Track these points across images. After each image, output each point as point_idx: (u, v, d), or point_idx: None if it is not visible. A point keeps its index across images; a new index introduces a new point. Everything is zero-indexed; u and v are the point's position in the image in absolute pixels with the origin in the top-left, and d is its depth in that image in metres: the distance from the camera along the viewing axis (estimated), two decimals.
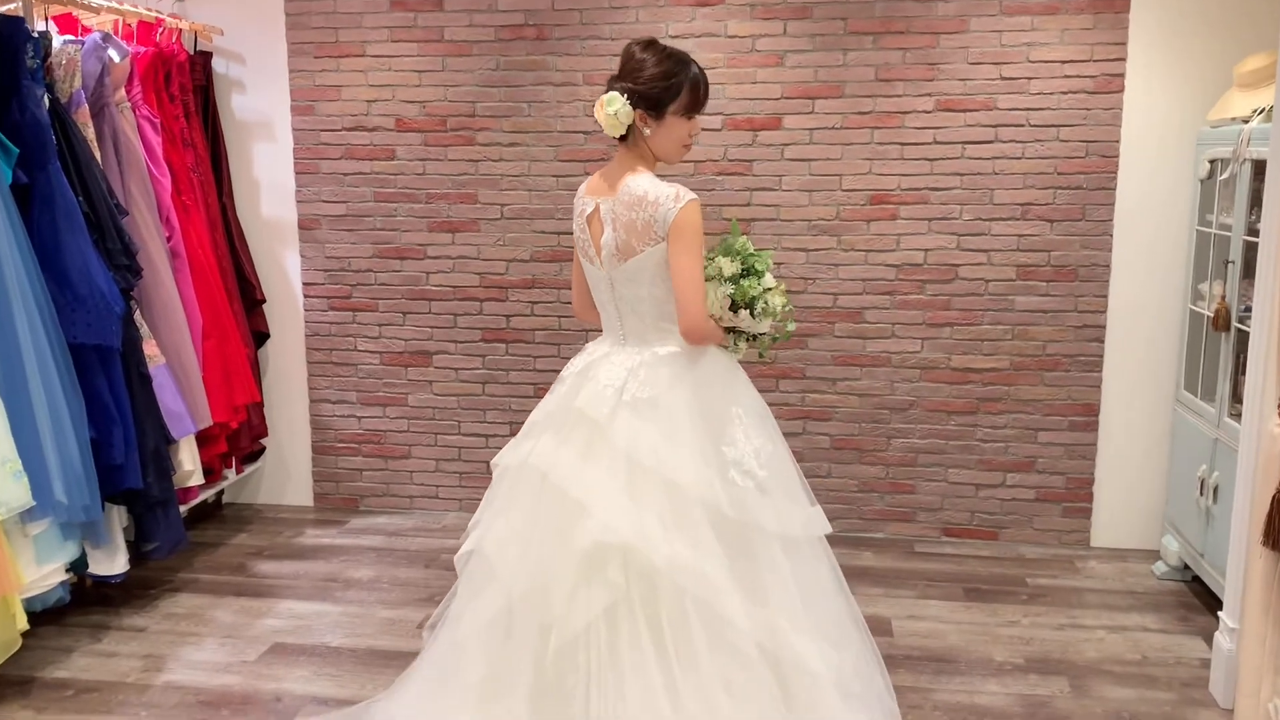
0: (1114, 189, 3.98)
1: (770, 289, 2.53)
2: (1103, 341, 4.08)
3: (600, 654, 2.21)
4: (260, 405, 4.45)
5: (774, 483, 2.39)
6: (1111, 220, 4.00)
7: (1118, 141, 3.95)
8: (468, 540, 2.45)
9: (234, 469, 4.42)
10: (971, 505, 4.26)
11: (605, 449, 2.32)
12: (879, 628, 3.47)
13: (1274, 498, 2.68)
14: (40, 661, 3.27)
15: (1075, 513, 4.20)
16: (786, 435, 4.08)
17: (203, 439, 4.00)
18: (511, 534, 2.37)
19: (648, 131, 2.39)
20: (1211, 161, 3.62)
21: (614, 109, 2.35)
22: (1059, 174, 4.01)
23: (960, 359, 4.18)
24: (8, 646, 3.03)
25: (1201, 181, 3.72)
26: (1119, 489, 4.15)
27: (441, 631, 2.53)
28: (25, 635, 3.12)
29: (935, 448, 4.24)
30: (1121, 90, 3.92)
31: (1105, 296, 4.05)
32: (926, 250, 4.14)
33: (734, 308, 2.51)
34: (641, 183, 2.39)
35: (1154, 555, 4.07)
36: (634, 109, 2.36)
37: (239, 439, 4.30)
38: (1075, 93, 3.95)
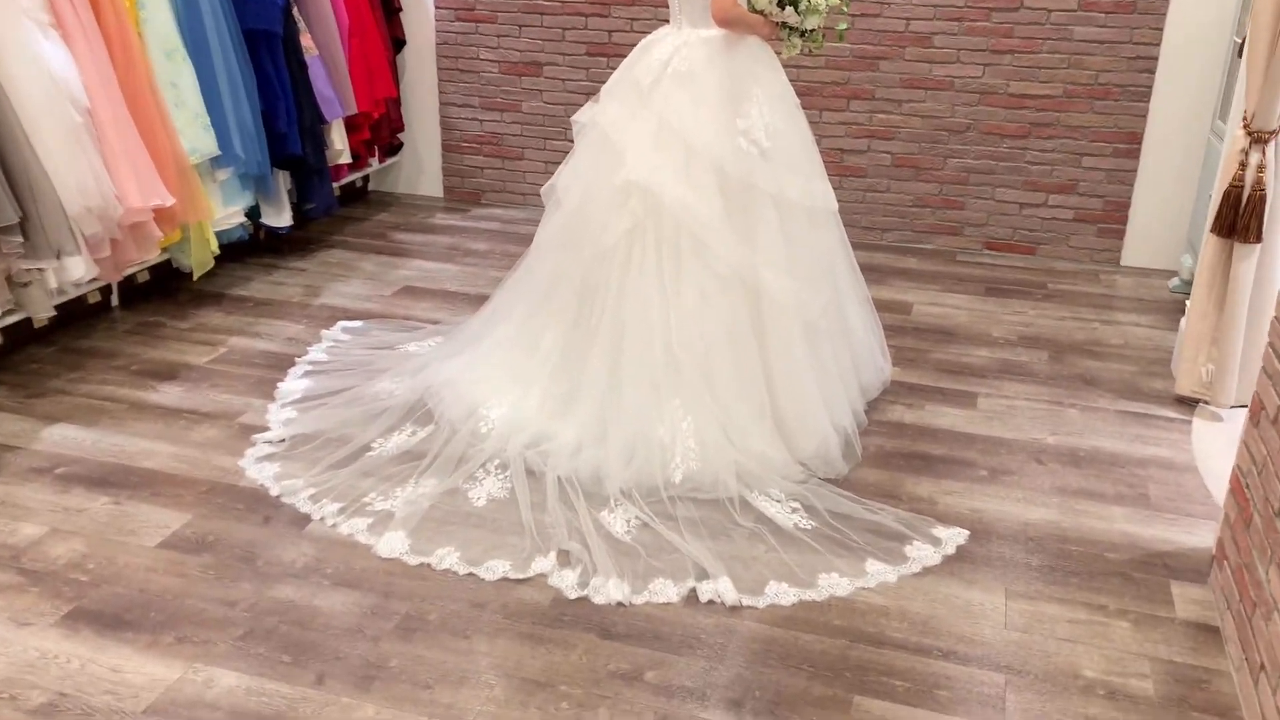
0: None
1: None
2: (1153, 73, 4.37)
3: (619, 264, 2.90)
4: (398, 102, 5.18)
5: (778, 154, 2.95)
6: None
7: None
8: (552, 177, 3.14)
9: (377, 158, 5.21)
10: (1014, 222, 4.73)
11: (646, 110, 2.93)
12: (901, 308, 4.09)
13: (1225, 191, 3.12)
14: (228, 284, 4.21)
15: (1109, 233, 4.63)
16: (853, 152, 4.60)
17: (350, 127, 4.76)
18: (575, 173, 3.05)
19: None
20: None
21: None
22: None
23: (1017, 85, 4.53)
24: (203, 265, 3.95)
25: None
26: (1151, 212, 4.54)
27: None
28: (216, 261, 4.03)
29: (986, 168, 4.68)
30: None
31: (1160, 29, 4.31)
32: None
33: (781, 4, 3.01)
34: None
35: (1175, 274, 4.49)
36: None
37: (380, 130, 5.06)
38: None
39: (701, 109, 2.92)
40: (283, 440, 3.02)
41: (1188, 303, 3.50)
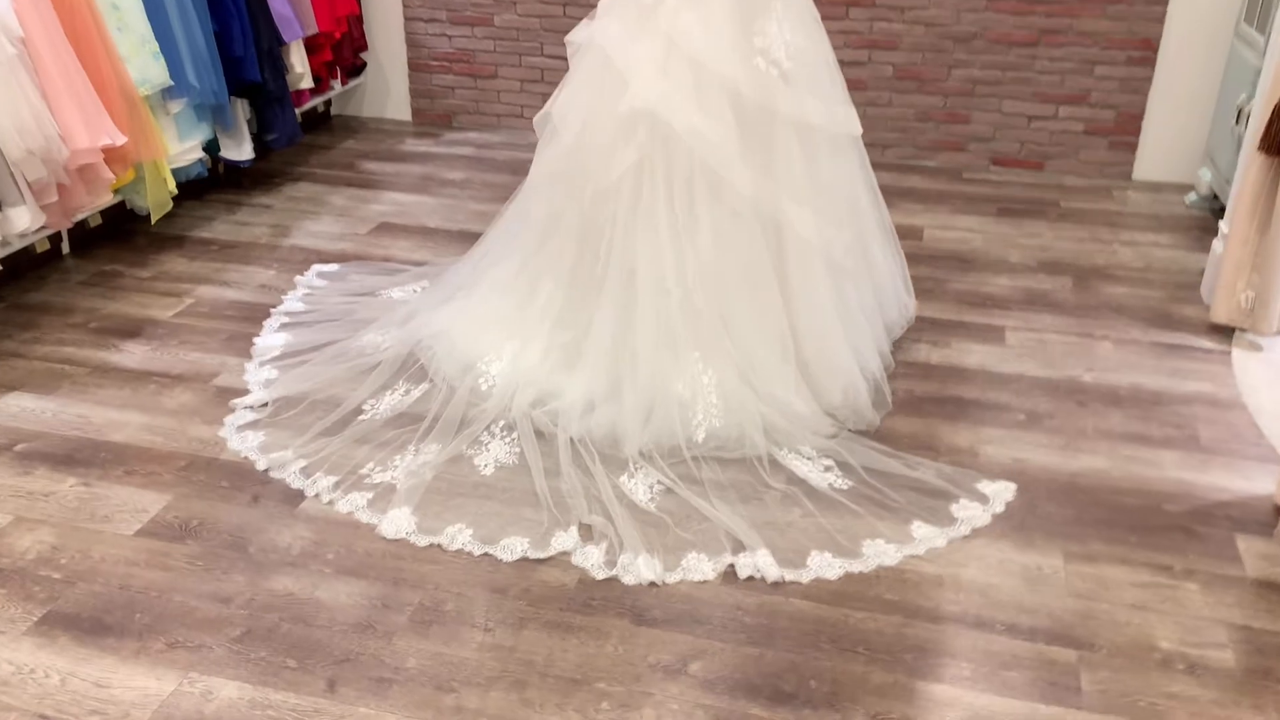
0: None
1: None
2: None
3: (625, 203, 2.63)
4: (360, 19, 4.79)
5: (799, 75, 2.68)
6: None
7: None
8: (546, 104, 2.84)
9: (340, 80, 4.84)
10: (1022, 136, 4.49)
11: (651, 28, 2.63)
12: (912, 234, 3.86)
13: (1277, 107, 2.90)
14: (188, 225, 3.89)
15: (1121, 146, 4.41)
16: (852, 64, 4.32)
17: (310, 48, 4.39)
18: (572, 100, 2.75)
19: None
20: None
21: None
22: None
23: None
24: (161, 206, 3.62)
25: None
26: (1166, 123, 4.32)
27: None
28: (174, 203, 3.71)
29: (993, 79, 4.42)
30: None
31: None
32: None
33: None
34: None
35: (1191, 189, 4.29)
36: None
37: (342, 50, 4.69)
38: None
39: (714, 25, 2.63)
40: (264, 404, 2.76)
41: (1222, 225, 3.30)
